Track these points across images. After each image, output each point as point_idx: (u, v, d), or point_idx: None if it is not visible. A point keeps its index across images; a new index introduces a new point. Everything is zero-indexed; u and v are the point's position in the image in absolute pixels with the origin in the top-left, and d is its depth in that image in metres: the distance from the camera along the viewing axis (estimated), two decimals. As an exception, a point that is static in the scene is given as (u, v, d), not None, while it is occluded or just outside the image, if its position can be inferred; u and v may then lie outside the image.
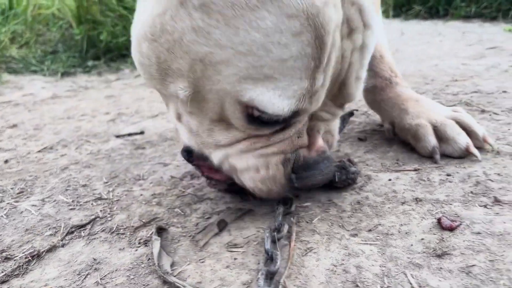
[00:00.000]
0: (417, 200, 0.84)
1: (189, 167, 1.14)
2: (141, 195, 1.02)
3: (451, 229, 0.73)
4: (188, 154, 0.86)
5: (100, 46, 3.04)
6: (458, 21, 2.67)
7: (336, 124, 0.87)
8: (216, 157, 0.80)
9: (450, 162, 0.96)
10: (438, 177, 0.91)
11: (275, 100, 0.64)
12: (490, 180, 0.86)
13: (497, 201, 0.79)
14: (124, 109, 1.85)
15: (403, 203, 0.84)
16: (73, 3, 3.13)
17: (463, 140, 0.97)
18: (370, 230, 0.77)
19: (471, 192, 0.83)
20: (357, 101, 1.14)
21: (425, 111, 1.05)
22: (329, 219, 0.83)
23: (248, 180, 0.79)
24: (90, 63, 3.01)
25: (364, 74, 0.74)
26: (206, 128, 0.77)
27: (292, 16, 0.59)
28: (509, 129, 1.06)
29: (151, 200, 0.99)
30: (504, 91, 1.32)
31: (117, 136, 1.48)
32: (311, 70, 0.63)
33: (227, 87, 0.66)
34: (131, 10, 3.13)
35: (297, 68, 0.62)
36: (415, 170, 0.95)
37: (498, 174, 0.88)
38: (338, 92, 0.75)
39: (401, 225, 0.77)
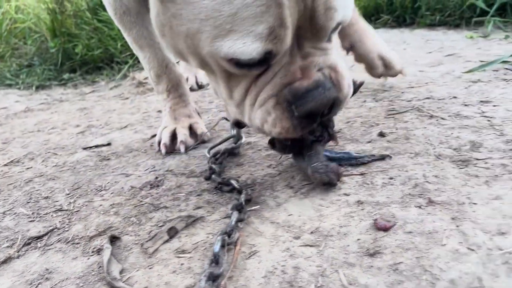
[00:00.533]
0: (359, 202, 0.88)
1: (150, 177, 1.17)
2: (101, 205, 1.05)
3: (385, 229, 0.78)
4: (237, 125, 1.03)
5: (76, 59, 3.06)
6: (424, 29, 2.76)
7: (335, 59, 0.90)
8: (247, 120, 0.94)
9: (395, 166, 1.01)
10: (381, 180, 0.96)
11: (242, 48, 0.76)
12: (427, 182, 0.91)
13: (431, 201, 0.84)
14: (95, 121, 1.88)
15: (346, 206, 0.88)
16: (47, 17, 3.15)
17: (399, 65, 1.56)
18: (312, 233, 0.81)
19: (409, 194, 0.88)
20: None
21: (376, 45, 1.56)
22: (276, 222, 0.87)
23: (268, 131, 0.90)
24: (65, 76, 3.02)
25: (338, 2, 0.79)
26: (226, 91, 0.92)
27: None
28: (452, 133, 1.11)
29: (109, 210, 1.02)
30: (454, 97, 1.38)
31: (84, 148, 1.51)
32: (261, 15, 0.73)
33: (210, 49, 0.80)
34: (106, 23, 3.17)
35: (247, 17, 0.74)
36: (361, 174, 1.00)
37: (436, 176, 0.93)
38: (312, 26, 0.81)
39: (341, 226, 0.81)
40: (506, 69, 1.62)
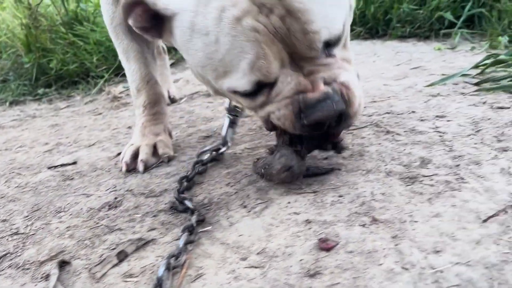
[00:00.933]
0: (307, 221, 0.90)
1: (109, 197, 1.18)
2: (57, 228, 1.06)
3: (327, 249, 0.80)
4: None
5: (51, 74, 3.05)
6: (395, 41, 2.81)
7: (347, 76, 0.97)
8: (256, 114, 1.07)
9: (346, 183, 1.03)
10: (331, 198, 0.98)
11: (236, 83, 0.93)
12: (374, 200, 0.94)
13: (374, 220, 0.86)
14: (64, 139, 1.87)
15: (294, 226, 0.90)
16: (22, 32, 3.14)
17: None
18: (258, 253, 0.83)
19: (355, 212, 0.90)
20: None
21: None
22: (226, 243, 0.88)
23: (275, 119, 0.99)
24: (40, 91, 3.00)
25: (317, 24, 0.88)
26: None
27: (206, 33, 0.91)
28: (404, 149, 1.14)
29: (65, 233, 1.02)
30: (413, 111, 1.42)
31: (49, 168, 1.51)
32: (240, 55, 0.88)
33: (216, 86, 1.01)
34: (82, 37, 3.17)
35: (232, 59, 0.90)
36: (313, 192, 1.02)
37: (383, 194, 0.95)
38: (298, 50, 0.90)
39: (287, 247, 0.83)
40: (465, 82, 1.66)
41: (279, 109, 0.96)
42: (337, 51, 0.98)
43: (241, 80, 0.91)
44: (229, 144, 1.34)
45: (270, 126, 1.04)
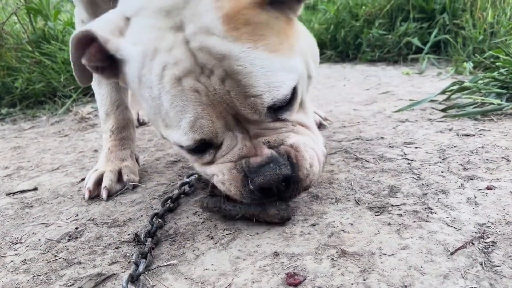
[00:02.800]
0: (275, 254, 0.88)
1: (70, 227, 1.12)
2: (12, 261, 0.99)
3: (295, 285, 0.77)
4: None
5: (16, 93, 2.95)
6: (365, 65, 2.87)
7: (299, 139, 0.95)
8: (201, 171, 1.04)
9: (316, 212, 1.01)
10: (300, 229, 0.96)
11: (180, 138, 0.90)
12: (343, 231, 0.92)
13: (343, 252, 0.85)
14: (26, 162, 1.80)
15: (262, 259, 0.87)
16: (-14, 50, 3.04)
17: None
18: (224, 289, 0.79)
19: (324, 244, 0.88)
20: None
21: None
22: (191, 278, 0.84)
23: (217, 182, 0.97)
24: (4, 110, 2.90)
25: (259, 89, 0.85)
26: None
27: (150, 86, 0.89)
28: (373, 177, 1.14)
29: (20, 267, 0.96)
30: (382, 137, 1.43)
31: (8, 194, 1.43)
32: (181, 113, 0.88)
33: (165, 135, 0.97)
34: (50, 55, 3.09)
35: (174, 116, 0.89)
36: (282, 222, 1.00)
37: (352, 224, 0.94)
38: (243, 113, 0.88)
39: (253, 282, 0.80)
40: (433, 108, 1.69)
41: (223, 173, 0.94)
42: (288, 115, 0.95)
43: (183, 137, 0.90)
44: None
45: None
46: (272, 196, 0.92)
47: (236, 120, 0.90)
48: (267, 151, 0.90)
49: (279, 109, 0.92)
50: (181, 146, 0.94)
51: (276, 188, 0.90)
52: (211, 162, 0.97)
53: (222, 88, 0.85)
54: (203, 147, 0.94)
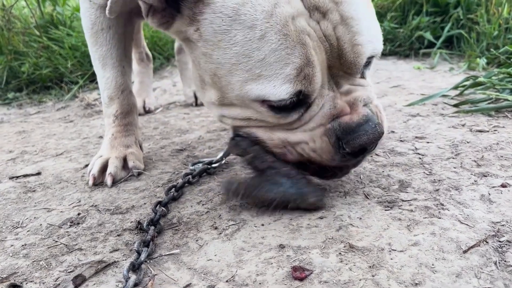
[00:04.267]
0: (281, 246, 0.85)
1: (72, 213, 1.10)
2: (12, 245, 0.98)
3: (300, 279, 0.75)
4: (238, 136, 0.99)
5: (23, 78, 2.94)
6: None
7: (376, 98, 0.94)
8: (262, 136, 0.94)
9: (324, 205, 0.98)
10: (307, 221, 0.93)
11: (272, 91, 0.81)
12: (351, 224, 0.89)
13: (351, 247, 0.82)
14: (30, 147, 1.78)
15: (267, 251, 0.84)
16: (-7, 34, 3.03)
17: None
18: (227, 281, 0.77)
19: (331, 238, 0.86)
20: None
21: None
22: (194, 268, 0.82)
23: (302, 151, 0.90)
24: (10, 95, 2.89)
25: (365, 37, 0.82)
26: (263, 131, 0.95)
27: (252, 26, 0.80)
28: (383, 171, 1.11)
29: (20, 252, 0.94)
30: (392, 131, 1.39)
31: (11, 178, 1.42)
32: (288, 58, 0.79)
33: (240, 93, 0.86)
34: (57, 41, 3.07)
35: (275, 62, 0.79)
36: (289, 213, 0.97)
37: (360, 219, 0.91)
38: (342, 64, 0.84)
39: (258, 274, 0.78)
40: (445, 103, 1.65)
41: (314, 141, 0.88)
42: (368, 74, 0.95)
43: (279, 88, 0.81)
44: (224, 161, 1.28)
45: (296, 156, 0.93)
46: (358, 156, 0.90)
47: (329, 75, 0.85)
48: (363, 109, 0.87)
49: (365, 67, 0.91)
50: (265, 102, 0.85)
51: (370, 147, 0.88)
52: (293, 126, 0.90)
53: (332, 34, 0.81)
54: (293, 105, 0.85)
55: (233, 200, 1.02)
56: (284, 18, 0.78)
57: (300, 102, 0.85)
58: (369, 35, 0.84)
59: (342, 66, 0.85)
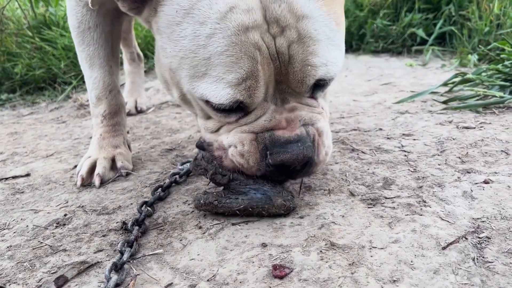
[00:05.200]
0: (263, 245, 0.86)
1: (59, 214, 1.11)
2: (-3, 247, 0.98)
3: (280, 277, 0.75)
4: (200, 147, 1.02)
5: (16, 79, 2.94)
6: (368, 55, 2.82)
7: (323, 125, 0.93)
8: (210, 139, 0.97)
9: (308, 203, 0.99)
10: (290, 220, 0.93)
11: (214, 93, 0.81)
12: (334, 222, 0.90)
13: (332, 245, 0.82)
14: (21, 148, 1.78)
15: (249, 249, 0.85)
16: (-14, 35, 3.02)
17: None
18: (208, 280, 0.77)
19: (313, 236, 0.86)
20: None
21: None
22: (176, 268, 0.82)
23: (231, 155, 0.92)
24: (4, 96, 2.89)
25: (319, 59, 0.81)
26: (204, 124, 0.98)
27: (203, 22, 0.79)
28: (368, 169, 1.11)
29: (5, 253, 0.95)
30: (380, 129, 1.40)
31: (0, 180, 1.42)
32: (232, 66, 0.78)
33: (188, 87, 0.86)
34: (50, 41, 3.07)
35: (219, 65, 0.79)
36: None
37: (343, 216, 0.91)
38: (289, 81, 0.84)
39: (239, 273, 0.78)
40: (434, 100, 1.66)
41: (243, 144, 0.89)
42: (320, 96, 0.94)
43: (222, 91, 0.81)
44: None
45: (229, 161, 0.94)
46: (286, 174, 0.90)
47: (276, 89, 0.86)
48: (299, 129, 0.87)
49: (317, 88, 0.90)
50: (208, 102, 0.86)
51: (293, 167, 0.87)
52: (230, 127, 0.91)
53: (286, 53, 0.80)
54: (232, 109, 0.86)
55: (205, 212, 1.02)
56: (236, 26, 0.77)
57: (240, 108, 0.86)
58: (324, 57, 0.82)
59: (290, 83, 0.85)
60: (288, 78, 0.83)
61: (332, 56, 0.84)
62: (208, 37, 0.79)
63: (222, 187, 0.99)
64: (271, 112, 0.87)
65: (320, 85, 0.89)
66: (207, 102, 0.86)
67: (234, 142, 0.91)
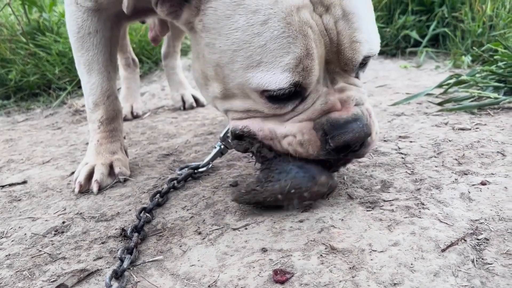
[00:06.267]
0: (263, 250, 0.86)
1: (57, 221, 1.10)
2: (-4, 256, 0.97)
3: (281, 282, 0.75)
4: (237, 137, 1.01)
5: (10, 85, 2.92)
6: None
7: (368, 102, 0.95)
8: (257, 126, 0.95)
9: (307, 207, 0.99)
10: (290, 224, 0.94)
11: (272, 78, 0.81)
12: (333, 226, 0.90)
13: (332, 249, 0.83)
14: (17, 155, 1.77)
15: (249, 255, 0.85)
16: (-21, 41, 3.01)
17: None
18: (209, 286, 0.77)
19: (313, 240, 0.86)
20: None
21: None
22: (176, 274, 0.82)
23: (287, 144, 0.91)
24: (-2, 103, 2.87)
25: (364, 36, 0.84)
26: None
27: (255, 11, 0.80)
28: (366, 172, 1.12)
29: (3, 262, 0.94)
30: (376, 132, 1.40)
31: (-3, 187, 1.41)
32: (289, 47, 0.80)
33: (241, 81, 0.87)
34: (44, 47, 3.06)
35: (275, 49, 0.80)
36: (272, 216, 0.97)
37: (342, 220, 0.92)
38: (339, 59, 0.85)
39: (239, 279, 0.78)
40: (429, 102, 1.67)
41: (302, 133, 0.90)
42: (362, 75, 0.96)
43: (280, 75, 0.81)
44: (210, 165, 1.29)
45: (281, 150, 0.94)
46: (344, 156, 0.91)
47: (325, 71, 0.87)
48: (354, 109, 0.89)
49: (360, 67, 0.92)
50: (265, 92, 0.86)
51: (353, 147, 0.89)
52: (286, 117, 0.91)
53: (334, 29, 0.82)
54: (290, 95, 0.86)
55: (246, 204, 1.00)
56: (289, 7, 0.80)
57: (296, 94, 0.87)
58: (367, 34, 0.85)
59: (339, 62, 0.86)
60: (338, 56, 0.85)
61: (373, 32, 0.89)
62: (262, 24, 0.80)
63: (258, 173, 0.98)
64: (324, 95, 0.88)
65: (362, 63, 0.92)
66: (262, 93, 0.87)
67: (293, 132, 0.91)
